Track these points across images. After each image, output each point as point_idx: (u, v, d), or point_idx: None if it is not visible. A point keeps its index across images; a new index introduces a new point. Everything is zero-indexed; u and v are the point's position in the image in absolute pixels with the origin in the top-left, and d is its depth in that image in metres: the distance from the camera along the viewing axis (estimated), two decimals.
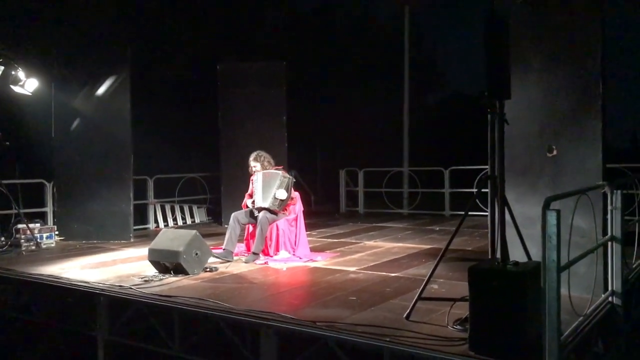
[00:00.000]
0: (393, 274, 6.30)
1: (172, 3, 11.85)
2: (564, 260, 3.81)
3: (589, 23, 5.00)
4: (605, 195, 4.99)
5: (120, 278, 6.29)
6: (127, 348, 5.77)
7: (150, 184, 11.42)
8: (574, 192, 4.17)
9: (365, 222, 11.53)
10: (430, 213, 12.80)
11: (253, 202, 7.44)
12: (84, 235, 9.41)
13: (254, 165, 7.60)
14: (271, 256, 7.33)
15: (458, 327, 4.21)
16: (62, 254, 8.23)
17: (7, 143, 8.28)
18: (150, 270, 6.56)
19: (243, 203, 7.71)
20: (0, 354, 7.05)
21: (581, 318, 4.27)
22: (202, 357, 5.14)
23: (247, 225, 7.59)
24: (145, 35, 11.13)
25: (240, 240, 7.69)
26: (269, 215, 7.30)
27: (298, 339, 4.47)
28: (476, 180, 11.44)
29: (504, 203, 4.18)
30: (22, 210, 9.30)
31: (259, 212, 7.35)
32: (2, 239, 8.62)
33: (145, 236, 9.59)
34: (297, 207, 7.68)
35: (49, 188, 9.89)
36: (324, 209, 13.95)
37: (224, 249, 7.21)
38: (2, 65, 8.10)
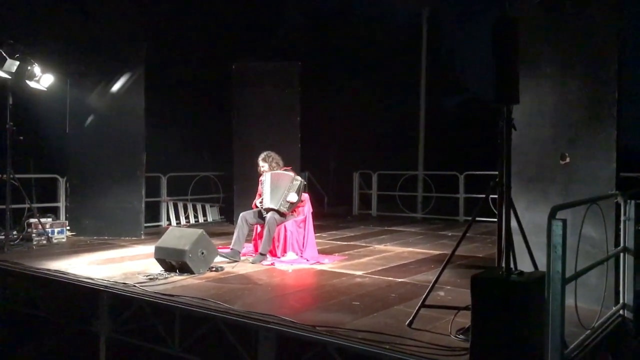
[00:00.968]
0: (400, 280, 6.21)
1: (188, 2, 11.86)
2: (573, 270, 3.70)
3: (605, 28, 4.87)
4: (618, 205, 4.85)
5: (126, 275, 6.29)
6: (129, 345, 5.75)
7: (164, 182, 11.44)
8: (583, 201, 4.05)
9: (377, 226, 11.43)
10: (444, 218, 12.66)
11: (261, 202, 7.40)
12: (95, 231, 9.45)
13: (262, 165, 7.56)
14: (278, 257, 7.28)
15: (461, 336, 4.11)
16: (71, 249, 8.27)
17: (21, 138, 8.32)
18: (157, 268, 6.54)
19: (253, 203, 7.67)
20: (5, 347, 7.08)
21: (588, 331, 4.15)
22: (201, 358, 5.10)
23: (255, 226, 7.55)
24: (161, 33, 11.15)
25: (248, 241, 7.66)
26: (276, 216, 7.25)
27: (297, 342, 4.41)
28: (488, 187, 11.27)
29: (511, 210, 4.07)
30: (34, 205, 9.38)
31: (267, 213, 7.30)
32: (14, 232, 8.68)
33: (157, 234, 9.55)
34: (306, 208, 7.62)
35: (62, 183, 9.96)
36: (336, 211, 13.87)
37: (231, 249, 7.18)
38: (18, 60, 8.12)
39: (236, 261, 7.02)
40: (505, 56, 3.82)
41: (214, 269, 6.56)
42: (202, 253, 6.42)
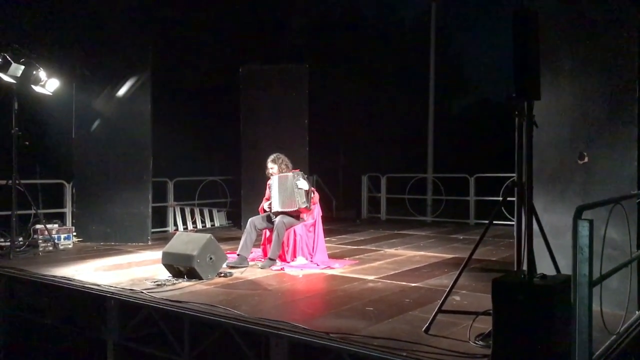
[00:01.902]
0: (413, 284, 6.05)
1: (195, 6, 11.77)
2: (596, 274, 3.54)
3: (625, 22, 4.71)
4: None
5: (133, 281, 6.16)
6: (137, 353, 5.62)
7: (171, 187, 11.34)
8: (608, 201, 3.89)
9: (386, 229, 11.28)
10: (455, 221, 12.48)
11: (270, 206, 7.26)
12: (101, 237, 9.35)
13: (272, 167, 7.41)
14: (288, 262, 7.14)
15: (480, 342, 3.96)
16: (78, 255, 8.16)
17: (27, 143, 8.24)
18: (164, 274, 6.41)
19: (260, 207, 7.53)
20: (11, 355, 6.96)
21: (614, 336, 3.99)
22: None
23: (264, 230, 7.41)
24: (168, 37, 11.05)
25: (256, 245, 7.52)
26: (286, 220, 7.11)
27: (310, 350, 4.26)
28: (503, 188, 11.11)
29: (532, 212, 3.91)
30: (41, 211, 9.28)
31: (275, 217, 7.16)
32: (20, 239, 8.58)
33: (164, 239, 9.44)
34: (316, 212, 7.47)
35: (68, 189, 9.87)
36: (345, 215, 13.73)
37: (238, 255, 7.04)
38: (23, 65, 8.04)
39: (244, 267, 6.88)
40: (526, 49, 3.66)
41: (222, 274, 6.42)
42: (211, 258, 6.28)
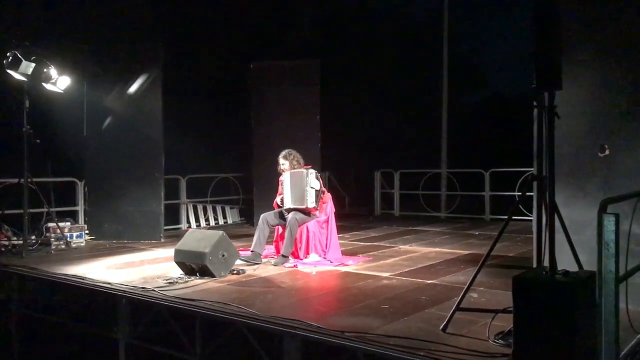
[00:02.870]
0: (429, 281, 5.93)
1: (205, 2, 11.70)
2: (621, 270, 3.41)
3: None
4: None
5: (145, 279, 6.09)
6: (149, 352, 5.56)
7: (183, 184, 11.28)
8: (632, 195, 3.75)
9: (400, 226, 11.15)
10: (470, 217, 12.32)
11: (282, 201, 7.17)
12: (114, 235, 9.30)
13: (283, 163, 7.32)
14: (301, 259, 7.04)
15: (500, 341, 3.83)
16: (90, 253, 8.12)
17: (38, 141, 8.18)
18: (177, 272, 6.35)
19: (274, 202, 7.44)
20: (23, 353, 6.94)
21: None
22: None
23: (276, 227, 7.32)
24: (178, 34, 11.00)
25: (269, 242, 7.44)
26: (298, 216, 7.01)
27: (324, 349, 4.17)
28: (519, 182, 10.93)
29: (554, 206, 3.78)
30: (53, 209, 9.26)
31: (288, 214, 7.06)
32: (33, 237, 8.55)
33: (176, 236, 9.34)
34: (329, 208, 7.36)
35: (80, 187, 9.84)
36: (358, 211, 13.61)
37: (252, 251, 6.96)
38: (34, 62, 8.00)
39: (257, 264, 6.80)
40: (547, 37, 3.52)
41: (235, 271, 6.34)
42: (223, 255, 6.20)
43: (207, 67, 11.87)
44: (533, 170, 5.03)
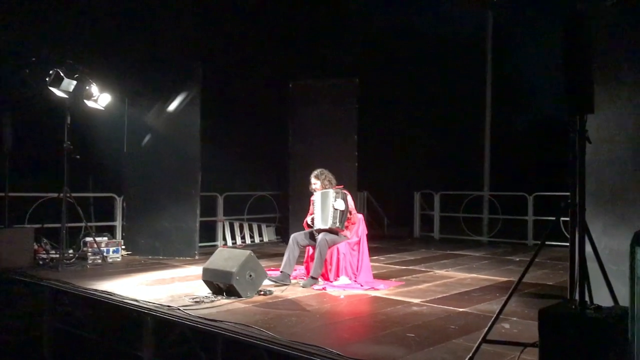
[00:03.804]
0: (461, 309, 5.70)
1: (247, 21, 11.82)
2: None
3: None
4: None
5: (172, 297, 6.07)
6: None
7: (220, 201, 11.33)
8: None
9: (439, 249, 10.88)
10: (511, 242, 11.92)
11: (312, 222, 7.07)
12: (150, 251, 9.39)
13: (315, 182, 7.23)
14: (331, 281, 6.91)
15: None
16: (124, 269, 8.19)
17: (78, 157, 8.36)
18: (205, 291, 6.31)
19: (304, 222, 7.35)
20: None
21: None
22: None
23: (307, 247, 7.22)
24: (218, 52, 11.13)
25: (300, 262, 7.34)
26: (328, 237, 6.89)
27: None
28: (558, 208, 10.52)
29: (586, 234, 3.55)
30: (92, 224, 9.44)
31: (318, 234, 6.96)
32: (71, 251, 8.71)
33: (211, 253, 9.34)
34: (360, 230, 7.22)
35: (118, 202, 9.99)
36: (396, 233, 13.37)
37: (281, 272, 6.87)
38: (76, 80, 8.20)
39: (286, 285, 6.70)
40: (577, 59, 3.34)
41: (262, 292, 6.26)
42: (250, 276, 6.13)
43: (246, 84, 11.95)
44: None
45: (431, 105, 13.62)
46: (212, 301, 5.90)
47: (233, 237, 11.43)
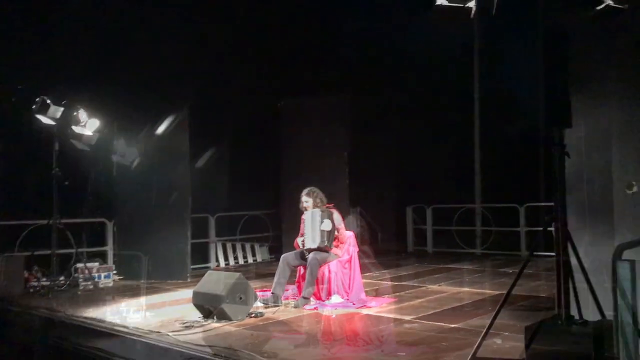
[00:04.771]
0: (453, 325, 5.67)
1: (235, 40, 11.86)
2: None
3: None
4: None
5: (162, 322, 6.03)
6: None
7: (212, 222, 11.27)
8: None
9: (432, 263, 10.84)
10: (505, 253, 11.87)
11: (303, 242, 7.04)
12: (141, 275, 9.30)
13: (306, 200, 7.17)
14: (323, 300, 6.86)
15: None
16: (116, 294, 8.12)
17: (66, 183, 8.33)
18: (196, 314, 6.26)
19: (295, 242, 7.31)
20: None
21: None
22: None
23: (298, 267, 7.17)
24: (206, 72, 11.14)
25: (291, 282, 7.29)
26: (319, 256, 6.86)
27: None
28: (542, 220, 10.52)
29: (567, 248, 3.55)
30: (83, 250, 9.36)
31: (309, 254, 6.93)
32: (62, 278, 8.63)
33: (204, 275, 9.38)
34: (351, 248, 7.19)
35: (109, 227, 9.93)
36: (390, 247, 13.31)
37: (272, 293, 6.82)
38: (64, 106, 8.18)
39: (277, 306, 6.66)
40: (555, 73, 3.36)
41: (253, 314, 6.21)
42: (241, 298, 6.09)
43: (235, 103, 11.96)
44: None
45: (421, 119, 13.65)
46: (202, 325, 5.85)
47: (226, 258, 11.36)
